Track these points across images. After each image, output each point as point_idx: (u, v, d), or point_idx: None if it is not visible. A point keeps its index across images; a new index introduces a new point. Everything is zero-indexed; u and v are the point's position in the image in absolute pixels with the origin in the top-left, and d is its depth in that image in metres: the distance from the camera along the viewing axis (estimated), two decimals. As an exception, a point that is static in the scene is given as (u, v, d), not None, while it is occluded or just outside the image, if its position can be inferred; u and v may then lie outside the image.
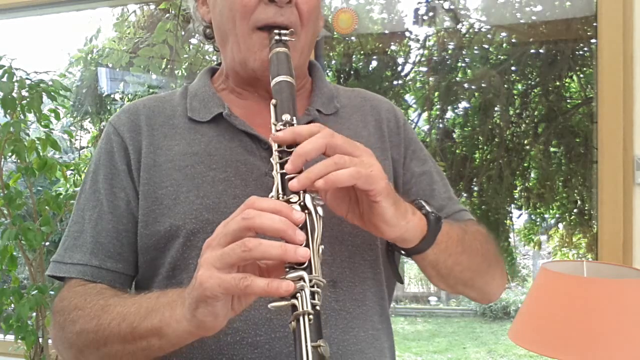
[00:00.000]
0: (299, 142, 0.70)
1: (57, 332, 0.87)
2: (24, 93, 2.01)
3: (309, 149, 0.69)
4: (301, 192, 0.69)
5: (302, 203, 0.68)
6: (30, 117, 2.09)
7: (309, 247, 0.65)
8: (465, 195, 3.70)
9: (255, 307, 0.79)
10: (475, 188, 3.65)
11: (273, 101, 0.79)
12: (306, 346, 0.62)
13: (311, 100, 0.96)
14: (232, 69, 0.95)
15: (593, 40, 2.49)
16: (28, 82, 2.00)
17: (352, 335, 0.86)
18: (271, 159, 0.74)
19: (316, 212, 0.68)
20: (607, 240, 1.69)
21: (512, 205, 3.73)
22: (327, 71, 3.37)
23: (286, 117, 0.76)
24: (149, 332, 0.73)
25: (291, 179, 0.69)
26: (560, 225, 4.01)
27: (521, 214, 3.88)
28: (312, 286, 0.64)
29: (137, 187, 0.89)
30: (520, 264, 6.97)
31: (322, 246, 0.68)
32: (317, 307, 0.64)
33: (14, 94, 1.98)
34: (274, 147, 0.74)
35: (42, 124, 2.06)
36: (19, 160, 2.03)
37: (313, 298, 0.64)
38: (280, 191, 0.70)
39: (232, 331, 0.80)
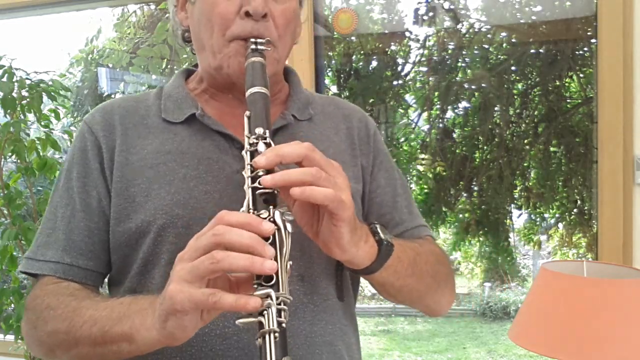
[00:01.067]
0: (283, 164, 0.72)
1: (29, 330, 0.88)
2: (24, 93, 2.01)
3: (288, 152, 0.71)
4: (271, 208, 0.70)
5: (271, 219, 0.69)
6: (30, 117, 2.09)
7: (277, 262, 0.67)
8: (465, 195, 3.70)
9: None
10: (475, 188, 3.65)
11: (247, 113, 0.80)
12: None
13: (287, 105, 0.98)
14: (208, 73, 0.96)
15: (593, 40, 2.49)
16: (28, 82, 2.01)
17: (319, 327, 0.89)
18: (243, 172, 0.75)
19: (285, 228, 0.69)
20: (607, 240, 1.69)
21: (512, 205, 3.73)
22: (327, 71, 3.36)
23: (259, 130, 0.77)
24: (119, 337, 0.75)
25: (262, 194, 0.70)
26: (560, 225, 4.01)
27: (521, 214, 3.88)
28: (279, 304, 0.66)
29: (109, 185, 0.90)
30: (520, 263, 6.98)
31: (291, 262, 0.69)
32: (283, 325, 0.66)
33: (14, 94, 1.98)
34: (247, 159, 0.75)
35: (42, 124, 2.06)
36: (19, 160, 2.03)
37: (280, 316, 0.66)
38: (250, 206, 0.72)
39: None
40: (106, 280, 0.97)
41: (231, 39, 0.88)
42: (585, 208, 3.46)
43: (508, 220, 3.81)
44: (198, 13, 0.92)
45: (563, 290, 1.20)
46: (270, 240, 0.67)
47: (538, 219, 3.97)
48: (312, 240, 0.83)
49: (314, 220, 0.77)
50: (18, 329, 1.94)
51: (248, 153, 0.76)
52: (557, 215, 3.76)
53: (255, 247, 0.65)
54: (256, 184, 0.71)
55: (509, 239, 4.00)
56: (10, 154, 2.00)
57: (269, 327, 0.65)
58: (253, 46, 0.86)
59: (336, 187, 0.71)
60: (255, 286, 0.67)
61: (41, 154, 2.04)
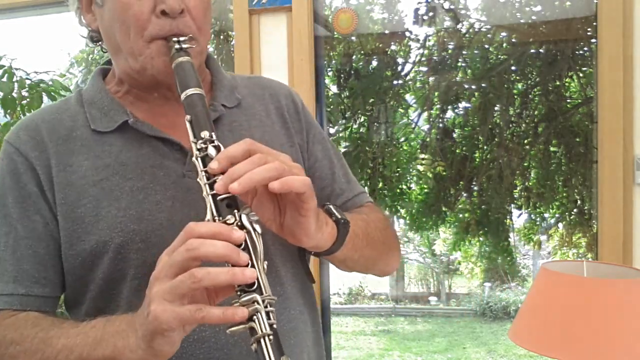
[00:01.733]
0: (234, 164, 0.70)
1: None
2: (24, 93, 2.01)
3: (236, 153, 0.71)
4: (235, 212, 0.70)
5: (239, 223, 0.69)
6: (30, 117, 2.10)
7: (254, 267, 0.67)
8: (465, 195, 3.71)
9: None
10: (475, 188, 3.65)
11: (187, 117, 0.77)
12: None
13: (214, 94, 0.95)
14: (128, 75, 0.91)
15: (593, 40, 2.49)
16: (28, 82, 2.00)
17: (285, 316, 0.89)
18: (198, 180, 0.73)
19: (254, 229, 0.69)
20: (607, 240, 1.69)
21: (512, 205, 3.73)
22: (327, 71, 3.37)
23: (205, 134, 0.75)
24: None
25: (223, 199, 0.70)
26: (560, 225, 4.02)
27: (521, 214, 3.88)
28: (266, 306, 0.66)
29: (53, 208, 0.86)
30: (520, 263, 6.99)
31: (266, 262, 0.69)
32: (274, 326, 0.66)
33: (14, 94, 1.98)
34: (199, 167, 0.73)
35: (42, 124, 2.07)
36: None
37: (269, 318, 0.66)
38: (214, 213, 0.71)
39: None
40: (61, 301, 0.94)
41: (150, 39, 0.84)
42: (585, 208, 3.46)
43: (508, 220, 3.82)
44: (109, 15, 0.86)
45: (563, 290, 1.20)
46: (243, 246, 0.67)
47: (538, 219, 3.98)
48: (266, 233, 0.83)
49: (275, 214, 0.77)
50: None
51: (199, 159, 0.74)
52: (557, 215, 3.76)
53: (230, 255, 0.65)
54: (215, 191, 0.70)
55: (509, 239, 4.01)
56: (10, 154, 2.01)
57: (262, 331, 0.65)
58: (177, 45, 0.83)
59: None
60: (239, 293, 0.66)
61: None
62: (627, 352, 1.12)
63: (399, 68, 3.52)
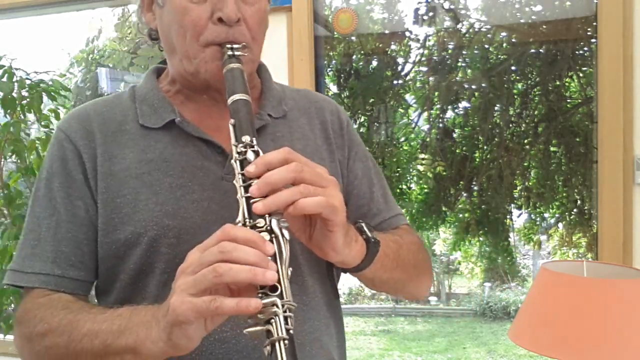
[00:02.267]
0: (270, 170, 0.73)
1: (23, 343, 0.88)
2: (24, 93, 2.01)
3: (277, 180, 0.72)
4: (266, 216, 0.71)
5: (268, 227, 0.71)
6: (30, 117, 2.09)
7: (279, 272, 0.69)
8: (465, 194, 3.71)
9: None
10: (475, 188, 3.65)
11: (232, 121, 0.80)
12: None
13: (262, 103, 0.98)
14: (182, 76, 0.94)
15: (593, 40, 2.49)
16: (28, 82, 2.00)
17: (308, 325, 0.91)
18: (234, 182, 0.75)
19: (282, 235, 0.71)
20: (607, 240, 1.69)
21: (512, 205, 3.73)
22: (327, 71, 3.36)
23: (246, 138, 0.77)
24: (123, 350, 0.75)
25: (255, 201, 0.71)
26: (560, 225, 4.01)
27: (521, 214, 3.88)
28: (285, 311, 0.67)
29: (94, 195, 0.89)
30: (520, 263, 6.98)
31: (291, 269, 0.71)
32: (291, 331, 0.67)
33: (14, 94, 1.98)
34: (237, 169, 0.76)
35: (42, 124, 2.06)
36: (19, 160, 2.02)
37: (287, 323, 0.67)
38: (246, 215, 0.72)
39: None
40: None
41: (205, 44, 0.87)
42: (585, 208, 3.46)
43: (508, 220, 3.81)
44: (168, 17, 0.89)
45: (563, 290, 1.20)
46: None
47: (538, 219, 3.98)
48: (296, 242, 0.84)
49: (306, 225, 0.79)
50: (18, 329, 1.94)
51: (237, 162, 0.76)
52: (557, 215, 3.76)
53: (260, 264, 0.67)
54: (249, 194, 0.72)
55: (509, 239, 4.01)
56: (10, 154, 2.00)
57: (277, 335, 0.66)
58: (230, 52, 0.85)
59: (326, 194, 0.73)
60: (260, 295, 0.68)
61: (41, 154, 2.04)
62: (627, 352, 1.12)
63: (399, 68, 3.52)
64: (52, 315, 0.83)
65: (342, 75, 3.45)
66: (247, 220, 0.72)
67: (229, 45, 0.86)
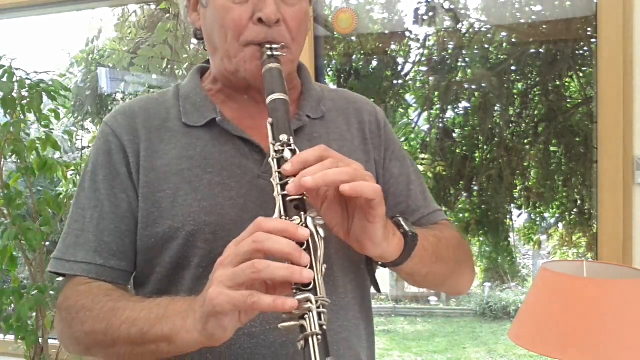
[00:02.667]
0: (306, 167, 0.74)
1: (63, 329, 0.91)
2: (24, 93, 2.01)
3: (310, 157, 0.74)
4: (302, 214, 0.73)
5: (304, 225, 0.72)
6: (30, 117, 2.09)
7: (313, 268, 0.70)
8: (465, 194, 3.70)
9: None
10: (475, 187, 3.65)
11: (270, 120, 0.82)
12: None
13: (300, 104, 1.00)
14: (223, 75, 0.97)
15: (593, 40, 2.49)
16: (28, 82, 2.00)
17: (337, 325, 0.92)
18: (271, 180, 0.77)
19: (317, 232, 0.72)
20: (607, 240, 1.69)
21: (512, 205, 3.73)
22: (327, 71, 3.36)
23: (283, 137, 0.79)
24: (159, 338, 0.77)
25: (292, 201, 0.73)
26: (560, 225, 4.01)
27: (521, 214, 3.88)
28: (319, 307, 0.69)
29: (137, 189, 0.92)
30: (520, 263, 6.97)
31: (325, 265, 0.72)
32: (324, 327, 0.69)
33: (14, 94, 1.98)
34: (274, 167, 0.78)
35: (42, 124, 2.06)
36: (19, 160, 2.02)
37: (320, 318, 0.68)
38: (282, 213, 0.74)
39: None
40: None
41: (245, 44, 0.89)
42: (585, 208, 3.46)
43: (508, 220, 3.81)
44: (211, 17, 0.92)
45: (563, 290, 1.20)
46: (304, 246, 0.71)
47: (538, 219, 3.97)
48: (329, 241, 0.86)
49: (343, 220, 0.80)
50: (18, 328, 1.94)
51: (275, 160, 0.78)
52: (557, 215, 3.76)
53: (293, 254, 0.68)
54: (285, 192, 0.74)
55: (509, 239, 4.00)
56: (10, 154, 2.00)
57: (311, 330, 0.67)
58: (269, 52, 0.87)
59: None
60: (295, 291, 0.69)
61: (41, 154, 2.04)
62: (627, 352, 1.12)
63: (399, 68, 3.52)
64: (92, 303, 0.86)
65: (342, 75, 3.45)
66: (284, 217, 0.74)
67: (268, 46, 0.88)
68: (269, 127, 0.82)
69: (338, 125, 1.02)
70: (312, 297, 0.68)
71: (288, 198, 0.74)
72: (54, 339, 2.13)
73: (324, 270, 0.72)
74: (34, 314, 2.02)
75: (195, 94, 0.98)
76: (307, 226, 0.72)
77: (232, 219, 0.88)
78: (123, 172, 0.93)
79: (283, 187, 0.75)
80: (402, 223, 0.87)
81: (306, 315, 0.68)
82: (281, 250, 0.68)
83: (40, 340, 2.02)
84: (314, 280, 0.69)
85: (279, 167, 0.77)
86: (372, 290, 1.04)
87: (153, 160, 0.93)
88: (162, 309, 0.79)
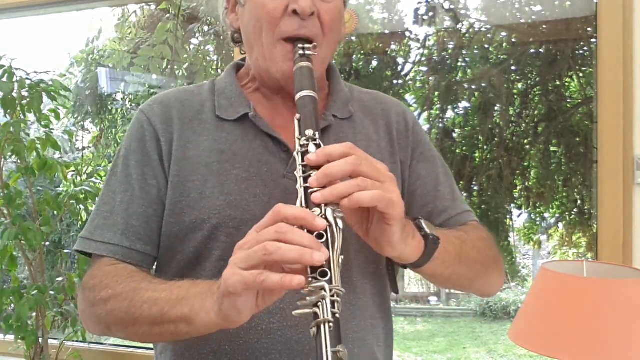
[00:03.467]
0: (330, 162, 0.75)
1: (85, 307, 0.93)
2: (24, 93, 2.01)
3: (336, 172, 0.75)
4: (322, 205, 0.74)
5: (323, 216, 0.73)
6: (30, 117, 2.09)
7: (330, 259, 0.71)
8: (465, 194, 3.70)
9: None
10: (475, 187, 3.65)
11: (297, 115, 0.84)
12: (326, 351, 0.68)
13: (328, 104, 1.01)
14: (258, 74, 0.99)
15: (593, 40, 2.49)
16: (28, 82, 2.00)
17: (354, 324, 0.93)
18: (295, 172, 0.79)
19: (336, 224, 0.73)
20: (607, 240, 1.69)
21: (512, 205, 3.73)
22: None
23: (309, 132, 0.80)
24: (178, 319, 0.79)
25: (314, 191, 0.74)
26: (560, 225, 4.01)
27: (521, 214, 3.88)
28: (332, 295, 0.70)
29: (167, 177, 0.94)
30: (520, 263, 6.97)
31: (342, 257, 0.73)
32: (337, 315, 0.70)
33: (14, 94, 1.98)
34: (298, 160, 0.79)
35: (42, 124, 2.06)
36: (19, 160, 2.02)
37: (333, 307, 0.69)
38: (303, 204, 0.75)
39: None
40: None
41: (279, 37, 0.91)
42: (585, 208, 3.46)
43: (508, 220, 3.81)
44: (248, 14, 0.95)
45: (563, 290, 1.20)
46: (324, 238, 0.72)
47: (538, 219, 3.97)
48: (349, 242, 0.88)
49: (363, 219, 0.81)
50: (18, 329, 1.94)
51: (299, 154, 0.79)
52: (557, 215, 3.76)
53: (312, 247, 0.70)
54: (308, 184, 0.75)
55: (509, 239, 4.00)
56: (10, 154, 2.00)
57: (323, 317, 0.68)
58: (301, 51, 0.89)
59: (383, 188, 0.75)
60: (311, 279, 0.70)
61: (41, 154, 2.03)
62: (627, 352, 1.12)
63: (399, 68, 3.52)
64: (116, 283, 0.88)
65: (342, 75, 3.43)
66: (304, 208, 0.75)
67: (300, 45, 0.90)
68: (296, 122, 0.83)
69: (365, 126, 1.03)
70: (327, 286, 0.69)
71: (310, 190, 0.75)
72: (54, 339, 2.13)
73: (340, 261, 0.73)
74: (34, 314, 2.02)
75: (230, 89, 1.00)
76: (326, 217, 0.73)
77: (256, 215, 0.88)
78: (155, 159, 0.95)
79: (306, 180, 0.76)
80: (423, 225, 0.87)
81: (319, 303, 0.69)
82: (301, 242, 0.69)
83: (40, 340, 2.02)
84: (330, 270, 0.71)
85: (303, 161, 0.78)
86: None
87: (185, 150, 0.95)
88: (183, 290, 0.81)
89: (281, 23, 0.91)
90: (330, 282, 0.70)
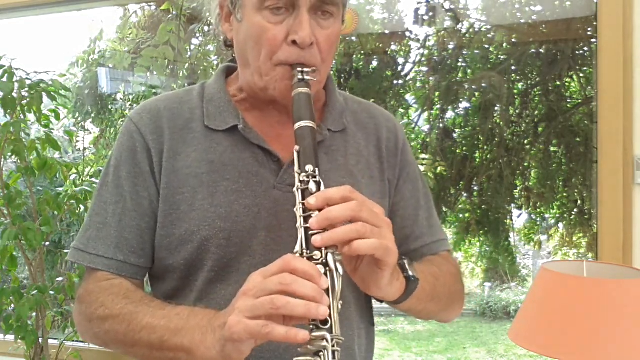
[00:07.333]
0: (330, 205, 0.77)
1: (82, 321, 0.94)
2: (24, 93, 2.00)
3: (336, 217, 0.76)
4: (323, 249, 0.76)
5: (324, 260, 0.75)
6: (30, 117, 2.09)
7: (330, 306, 0.73)
8: (465, 195, 3.70)
9: None
10: (476, 188, 3.65)
11: (296, 148, 0.84)
12: None
13: (324, 117, 1.01)
14: (251, 88, 0.98)
15: (593, 40, 2.49)
16: (28, 82, 2.00)
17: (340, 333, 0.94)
18: (294, 210, 0.80)
19: (337, 269, 0.75)
20: (607, 240, 1.69)
21: (513, 205, 3.72)
22: (327, 71, 3.36)
23: (309, 168, 0.81)
24: (178, 348, 0.81)
25: (313, 234, 0.76)
26: (561, 225, 4.01)
27: (521, 214, 3.88)
28: (333, 345, 0.72)
29: (158, 189, 0.94)
30: (520, 263, 6.97)
31: (341, 302, 0.76)
32: None
33: (14, 94, 1.98)
34: (298, 198, 0.80)
35: (42, 124, 2.06)
36: (19, 160, 2.02)
37: (334, 357, 0.72)
38: (304, 246, 0.77)
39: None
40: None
41: (277, 63, 0.91)
42: (585, 208, 3.46)
43: (508, 220, 3.81)
44: (245, 33, 0.93)
45: (563, 290, 1.20)
46: (325, 287, 0.74)
47: (538, 219, 3.97)
48: None
49: (353, 257, 0.82)
50: (18, 329, 1.94)
51: (299, 191, 0.80)
52: (557, 215, 3.76)
53: (316, 299, 0.71)
54: (308, 225, 0.77)
55: (509, 239, 4.00)
56: (10, 154, 2.00)
57: None
58: (300, 76, 0.89)
59: (381, 236, 0.77)
60: (312, 327, 0.73)
61: (41, 154, 2.03)
62: (627, 352, 1.12)
63: (399, 68, 3.52)
64: (113, 302, 0.89)
65: (343, 75, 3.45)
66: (305, 250, 0.76)
67: (299, 69, 0.89)
68: (295, 154, 0.83)
69: (357, 139, 1.03)
70: (328, 336, 0.71)
71: (310, 232, 0.76)
72: (54, 339, 2.13)
73: (339, 307, 0.75)
74: (34, 314, 2.01)
75: (219, 97, 0.99)
76: (327, 262, 0.75)
77: (246, 226, 0.91)
78: (146, 170, 0.95)
79: (306, 219, 0.77)
80: (407, 267, 0.89)
81: (321, 353, 0.71)
82: (306, 294, 0.71)
83: (40, 340, 2.02)
84: (331, 317, 0.73)
85: (303, 199, 0.79)
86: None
87: (175, 162, 0.94)
88: (181, 320, 0.82)
89: (280, 51, 0.90)
90: (330, 330, 0.72)
